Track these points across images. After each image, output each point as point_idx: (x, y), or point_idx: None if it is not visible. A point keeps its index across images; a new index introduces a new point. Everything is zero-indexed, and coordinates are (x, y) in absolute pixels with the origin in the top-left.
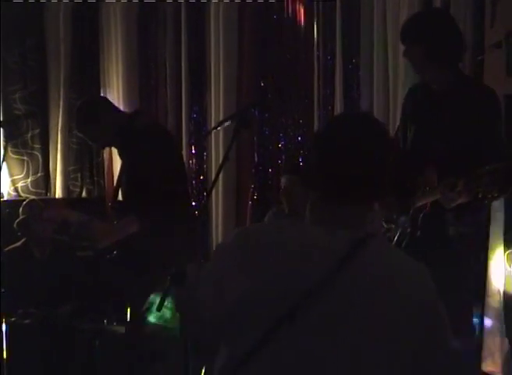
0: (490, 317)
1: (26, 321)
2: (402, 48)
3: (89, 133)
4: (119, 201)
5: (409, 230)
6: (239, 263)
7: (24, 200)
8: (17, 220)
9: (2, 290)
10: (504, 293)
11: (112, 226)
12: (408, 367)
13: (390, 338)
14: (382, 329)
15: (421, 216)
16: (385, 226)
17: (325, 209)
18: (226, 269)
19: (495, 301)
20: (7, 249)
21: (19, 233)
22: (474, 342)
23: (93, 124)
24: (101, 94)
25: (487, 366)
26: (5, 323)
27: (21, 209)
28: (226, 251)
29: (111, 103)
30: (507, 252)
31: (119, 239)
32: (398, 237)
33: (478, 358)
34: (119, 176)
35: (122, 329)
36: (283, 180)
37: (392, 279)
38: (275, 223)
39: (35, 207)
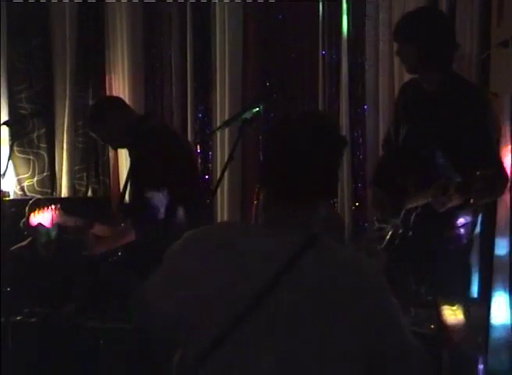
0: (496, 316)
1: (32, 320)
2: None
3: (100, 133)
4: (125, 203)
5: (401, 230)
6: (190, 267)
7: (30, 199)
8: (23, 220)
9: (8, 289)
10: (510, 292)
11: (108, 234)
12: (363, 361)
13: (343, 333)
14: (334, 325)
15: (413, 216)
16: (378, 225)
17: (274, 209)
18: (178, 273)
19: (501, 299)
20: (13, 248)
21: (25, 232)
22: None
23: (102, 124)
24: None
25: (493, 365)
26: (11, 321)
27: (27, 209)
28: (177, 256)
29: (123, 103)
30: None
31: (115, 247)
32: (390, 237)
33: (484, 357)
34: (127, 178)
35: (126, 328)
36: None
37: (341, 275)
38: (226, 225)
39: (41, 206)
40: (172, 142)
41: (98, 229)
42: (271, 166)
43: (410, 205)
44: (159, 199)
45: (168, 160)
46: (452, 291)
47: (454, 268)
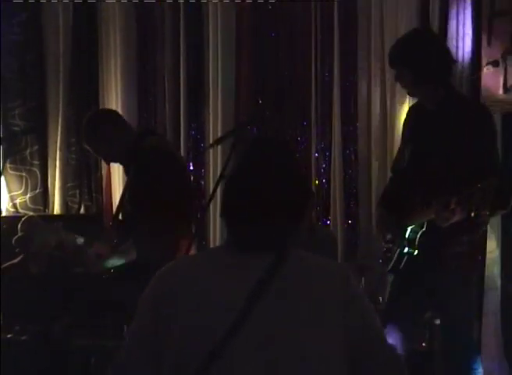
0: (488, 335)
1: (23, 337)
2: None
3: (94, 147)
4: (120, 219)
5: (406, 249)
6: (165, 311)
7: (23, 216)
8: (15, 237)
9: None
10: (502, 310)
11: (107, 252)
12: (346, 361)
13: (327, 337)
14: (319, 329)
15: (419, 235)
16: (385, 246)
17: (238, 234)
18: (155, 320)
19: (492, 319)
20: (4, 266)
21: (17, 250)
22: (477, 358)
23: (99, 139)
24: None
25: None
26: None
27: (20, 226)
28: (150, 303)
29: (120, 118)
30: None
31: (115, 265)
32: (397, 257)
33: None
34: (122, 194)
35: (119, 346)
36: None
37: (316, 281)
38: (193, 258)
39: (34, 224)
40: (171, 161)
41: (98, 247)
42: (234, 198)
43: (414, 223)
44: (156, 218)
45: (167, 179)
46: (457, 308)
47: (460, 287)
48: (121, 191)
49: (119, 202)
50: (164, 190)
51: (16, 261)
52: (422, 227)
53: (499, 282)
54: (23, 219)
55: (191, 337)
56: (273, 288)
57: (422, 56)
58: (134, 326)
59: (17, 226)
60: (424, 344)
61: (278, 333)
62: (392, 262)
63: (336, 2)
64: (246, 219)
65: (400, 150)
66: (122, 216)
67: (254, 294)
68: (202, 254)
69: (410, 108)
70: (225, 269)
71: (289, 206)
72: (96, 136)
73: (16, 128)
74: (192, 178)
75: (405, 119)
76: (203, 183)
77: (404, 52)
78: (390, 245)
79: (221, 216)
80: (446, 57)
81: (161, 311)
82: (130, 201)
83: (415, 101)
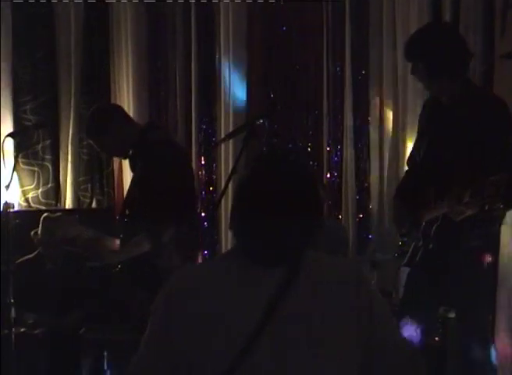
0: (501, 331)
1: (36, 331)
2: None
3: (98, 142)
4: (127, 214)
5: (421, 243)
6: (179, 324)
7: (35, 211)
8: (32, 233)
9: (12, 300)
10: None
11: (120, 245)
12: (360, 360)
13: (343, 341)
14: (334, 334)
15: (434, 228)
16: (401, 240)
17: (250, 246)
18: (168, 334)
19: (505, 313)
20: (19, 261)
21: (34, 240)
22: (490, 354)
23: (103, 133)
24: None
25: None
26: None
27: (40, 229)
28: (161, 315)
29: (124, 113)
30: None
31: (127, 258)
32: (412, 251)
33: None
34: (129, 189)
35: (130, 339)
36: None
37: (331, 283)
38: (206, 268)
39: (50, 224)
40: (177, 156)
41: (107, 241)
42: (244, 206)
43: (428, 217)
44: (165, 211)
45: (174, 173)
46: (472, 302)
47: (474, 281)
48: None
49: (126, 197)
50: (170, 182)
51: (30, 256)
52: (437, 221)
53: None
54: (42, 217)
55: (208, 350)
56: (288, 297)
57: (438, 50)
58: (148, 336)
59: (29, 221)
60: (437, 339)
61: (294, 341)
62: (407, 256)
63: None
64: (259, 233)
65: (416, 143)
66: (129, 210)
67: (270, 305)
68: (213, 264)
69: (425, 102)
70: (239, 281)
71: (303, 218)
72: (99, 131)
73: (27, 123)
74: (203, 172)
75: (421, 113)
76: (214, 177)
77: (420, 46)
78: (405, 239)
79: (230, 228)
80: (463, 50)
81: (174, 322)
82: (138, 194)
83: (430, 94)
